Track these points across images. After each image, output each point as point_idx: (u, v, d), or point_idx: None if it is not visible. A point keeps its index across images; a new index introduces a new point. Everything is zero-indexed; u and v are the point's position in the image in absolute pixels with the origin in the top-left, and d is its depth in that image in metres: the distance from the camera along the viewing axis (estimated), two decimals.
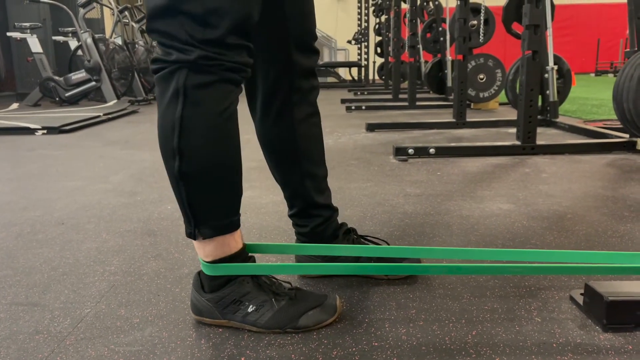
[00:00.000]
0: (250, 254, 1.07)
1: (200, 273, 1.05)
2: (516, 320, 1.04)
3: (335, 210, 1.27)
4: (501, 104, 5.43)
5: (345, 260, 1.22)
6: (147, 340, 0.99)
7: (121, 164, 2.78)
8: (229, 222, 1.01)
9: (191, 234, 1.00)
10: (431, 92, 6.43)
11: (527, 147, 2.82)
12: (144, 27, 7.96)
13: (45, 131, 4.08)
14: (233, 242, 1.02)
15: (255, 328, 1.01)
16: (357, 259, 1.22)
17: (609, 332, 0.99)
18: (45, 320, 1.08)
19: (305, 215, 1.23)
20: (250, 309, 1.01)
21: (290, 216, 1.26)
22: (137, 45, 7.49)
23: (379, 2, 8.80)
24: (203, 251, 1.01)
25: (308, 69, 1.16)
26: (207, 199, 0.97)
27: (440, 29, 6.35)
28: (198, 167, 0.95)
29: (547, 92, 3.81)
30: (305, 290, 1.08)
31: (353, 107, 5.46)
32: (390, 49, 7.46)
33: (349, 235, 1.27)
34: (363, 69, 10.62)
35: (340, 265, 1.13)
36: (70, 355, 0.95)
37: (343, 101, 6.26)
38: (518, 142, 2.85)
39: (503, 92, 4.61)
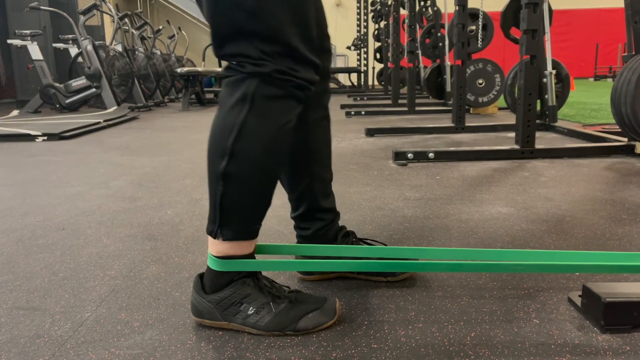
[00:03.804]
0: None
1: (201, 275, 1.06)
2: (514, 322, 1.05)
3: (337, 215, 1.28)
4: (500, 108, 5.45)
5: None
6: (147, 344, 1.00)
7: (121, 169, 2.79)
8: (251, 229, 1.03)
9: (212, 232, 1.02)
10: (430, 97, 6.45)
11: (526, 151, 2.83)
12: (143, 34, 8.00)
13: (45, 138, 4.10)
14: (247, 247, 1.04)
15: (255, 330, 1.02)
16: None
17: (607, 333, 0.99)
18: (46, 324, 1.08)
19: (309, 218, 1.24)
20: (250, 311, 1.01)
21: (294, 218, 1.27)
22: (137, 52, 7.51)
23: (378, 8, 8.85)
24: (216, 247, 1.02)
25: (322, 70, 1.17)
26: (240, 203, 1.00)
27: (439, 34, 6.38)
28: (243, 171, 0.97)
29: (546, 96, 3.83)
30: (304, 293, 1.09)
31: (353, 113, 5.48)
32: (389, 54, 7.49)
33: (347, 238, 1.28)
34: (362, 74, 10.66)
35: (342, 262, 1.13)
36: (71, 359, 0.95)
37: (343, 107, 6.28)
38: (517, 146, 2.86)
39: (502, 96, 4.63)
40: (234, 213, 1.00)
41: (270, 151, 0.98)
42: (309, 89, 1.00)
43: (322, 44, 1.16)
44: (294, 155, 1.20)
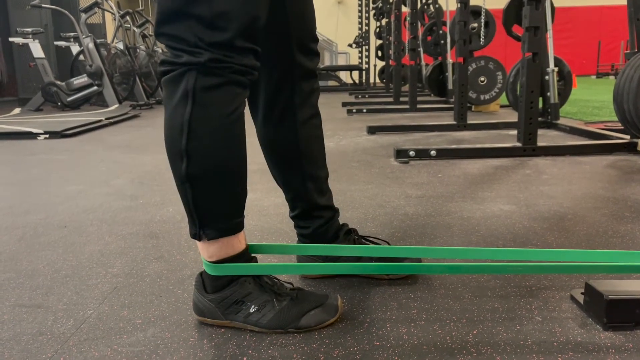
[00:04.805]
0: (252, 255, 1.08)
1: (202, 274, 1.06)
2: (517, 320, 1.05)
3: (336, 211, 1.27)
4: (502, 106, 5.44)
5: (347, 261, 1.22)
6: (149, 341, 1.00)
7: (123, 167, 2.79)
8: (233, 223, 1.02)
9: (196, 235, 1.01)
10: (432, 94, 6.44)
11: (528, 148, 2.83)
12: (145, 32, 8.00)
13: (47, 136, 4.10)
14: (237, 243, 1.03)
15: (257, 328, 1.02)
16: (358, 259, 1.22)
17: (609, 331, 0.99)
18: (48, 321, 1.09)
19: (307, 217, 1.24)
20: (252, 309, 1.01)
21: (292, 217, 1.27)
22: (138, 50, 7.51)
23: (379, 6, 8.83)
24: (207, 251, 1.02)
25: (310, 71, 1.17)
26: (213, 200, 0.98)
27: (440, 31, 6.36)
28: (205, 169, 0.95)
29: (548, 94, 3.82)
30: (306, 291, 1.09)
31: (354, 110, 5.47)
32: (391, 52, 7.48)
33: (350, 235, 1.27)
34: (364, 72, 10.64)
35: (341, 265, 1.13)
36: (74, 356, 0.95)
37: (344, 104, 6.27)
38: (519, 144, 2.86)
39: (504, 94, 4.62)
40: (210, 212, 0.99)
41: (225, 142, 0.96)
42: (251, 73, 0.98)
43: (309, 46, 1.16)
44: (284, 156, 1.19)
